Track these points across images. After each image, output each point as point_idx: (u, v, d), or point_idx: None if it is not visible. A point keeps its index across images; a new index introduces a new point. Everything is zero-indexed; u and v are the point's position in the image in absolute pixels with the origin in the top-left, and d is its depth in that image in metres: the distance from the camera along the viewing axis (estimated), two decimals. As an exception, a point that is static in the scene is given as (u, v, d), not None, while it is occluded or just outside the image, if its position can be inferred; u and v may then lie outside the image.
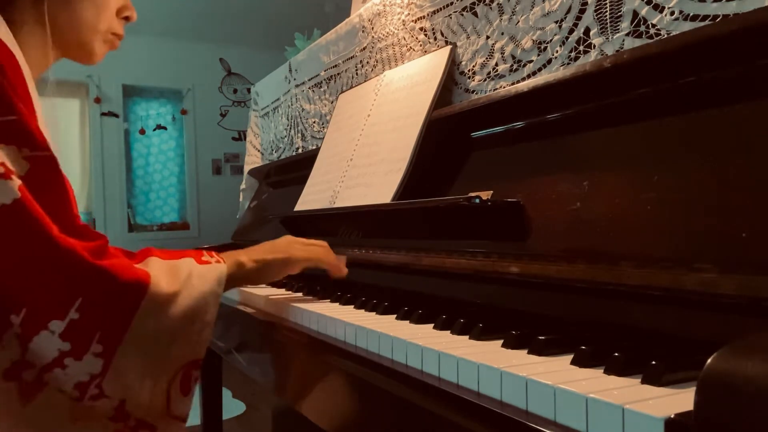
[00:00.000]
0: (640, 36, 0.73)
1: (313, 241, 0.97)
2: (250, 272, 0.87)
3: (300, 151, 1.74)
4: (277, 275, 0.92)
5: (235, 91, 5.61)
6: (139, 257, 0.77)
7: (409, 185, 0.98)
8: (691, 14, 0.67)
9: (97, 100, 4.98)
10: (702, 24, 0.65)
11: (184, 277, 0.75)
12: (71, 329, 0.65)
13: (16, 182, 0.63)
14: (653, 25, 0.71)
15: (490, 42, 0.98)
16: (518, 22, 0.92)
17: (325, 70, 1.58)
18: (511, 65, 0.94)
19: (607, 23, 0.77)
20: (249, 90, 4.77)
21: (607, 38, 0.77)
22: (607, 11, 0.77)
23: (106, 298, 0.67)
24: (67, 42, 0.82)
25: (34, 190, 0.65)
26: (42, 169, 0.67)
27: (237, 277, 0.85)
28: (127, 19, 0.88)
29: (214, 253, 0.83)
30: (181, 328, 0.72)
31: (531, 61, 0.90)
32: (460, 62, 1.04)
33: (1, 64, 0.66)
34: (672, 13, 0.69)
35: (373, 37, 1.34)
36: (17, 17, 0.77)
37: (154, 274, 0.71)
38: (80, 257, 0.66)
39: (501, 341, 0.60)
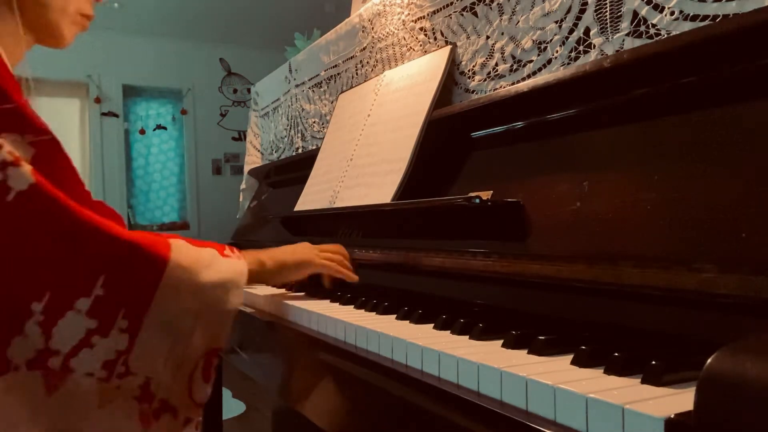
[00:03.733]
0: (640, 36, 0.73)
1: (329, 247, 0.99)
2: (269, 271, 0.90)
3: (300, 151, 1.74)
4: (293, 277, 0.96)
5: (235, 91, 5.61)
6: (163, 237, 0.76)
7: (409, 185, 0.98)
8: (691, 14, 0.67)
9: (97, 100, 4.98)
10: (702, 24, 0.66)
11: (206, 260, 0.74)
12: (97, 305, 0.65)
13: (27, 167, 0.63)
14: (653, 25, 0.71)
15: (490, 42, 0.98)
16: (518, 22, 0.92)
17: (325, 70, 1.58)
18: (511, 65, 0.94)
19: (607, 23, 0.77)
20: (249, 90, 4.77)
21: (607, 38, 0.77)
22: (607, 11, 0.77)
23: (129, 271, 0.67)
24: (37, 25, 0.79)
25: (44, 173, 0.65)
26: (47, 152, 0.67)
27: (256, 275, 0.87)
28: None
29: (235, 249, 0.82)
30: (201, 312, 0.72)
31: (531, 61, 0.90)
32: (460, 62, 1.04)
33: None
34: (672, 13, 0.69)
35: (373, 37, 1.34)
36: None
37: (175, 247, 0.71)
38: (102, 231, 0.66)
39: (501, 341, 0.60)
